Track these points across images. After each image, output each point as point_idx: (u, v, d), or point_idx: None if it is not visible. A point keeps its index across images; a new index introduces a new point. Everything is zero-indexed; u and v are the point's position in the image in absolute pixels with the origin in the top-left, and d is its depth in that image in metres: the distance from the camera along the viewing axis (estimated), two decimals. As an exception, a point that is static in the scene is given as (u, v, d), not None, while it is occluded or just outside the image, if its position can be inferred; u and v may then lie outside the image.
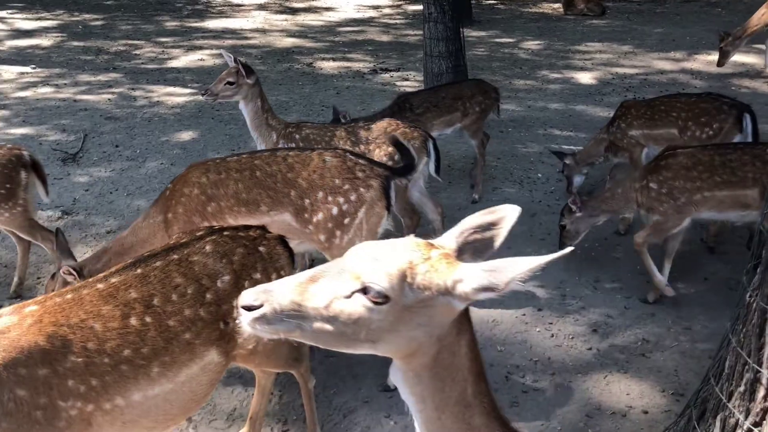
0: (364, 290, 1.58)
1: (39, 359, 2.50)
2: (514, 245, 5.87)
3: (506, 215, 1.76)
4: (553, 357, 4.61)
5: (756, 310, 2.77)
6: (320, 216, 4.24)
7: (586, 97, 9.79)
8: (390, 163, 5.26)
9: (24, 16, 15.73)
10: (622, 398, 4.24)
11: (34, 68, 11.32)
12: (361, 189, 4.26)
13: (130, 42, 13.33)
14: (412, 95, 7.05)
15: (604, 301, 5.17)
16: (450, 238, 1.73)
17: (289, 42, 13.52)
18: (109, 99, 9.81)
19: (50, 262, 5.59)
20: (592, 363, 4.55)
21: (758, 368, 2.73)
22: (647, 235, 5.08)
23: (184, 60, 12.08)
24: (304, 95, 10.02)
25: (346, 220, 4.23)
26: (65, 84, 10.50)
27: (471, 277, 1.56)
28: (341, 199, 4.23)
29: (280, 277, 3.11)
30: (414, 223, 5.34)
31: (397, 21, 15.87)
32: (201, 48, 12.86)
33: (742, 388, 2.80)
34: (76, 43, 13.19)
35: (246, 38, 13.85)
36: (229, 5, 17.61)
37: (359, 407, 4.16)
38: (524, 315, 5.03)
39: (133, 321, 2.71)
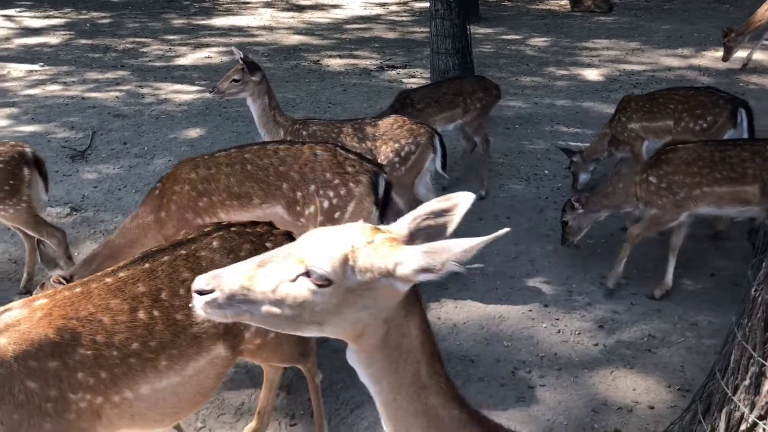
0: (308, 274, 1.63)
1: (49, 352, 2.53)
2: (522, 242, 5.91)
3: (460, 202, 1.77)
4: (560, 353, 4.62)
5: (761, 304, 2.77)
6: (312, 209, 4.28)
7: (592, 94, 9.78)
8: (396, 159, 5.29)
9: (32, 14, 15.81)
10: (629, 394, 4.24)
11: (42, 66, 11.38)
12: (351, 184, 4.31)
13: (137, 40, 13.38)
14: (413, 91, 7.07)
15: (610, 297, 5.17)
16: (403, 224, 1.76)
17: (296, 39, 13.54)
18: (117, 96, 9.85)
19: (59, 259, 5.62)
20: (598, 359, 4.56)
21: (763, 362, 2.74)
22: (643, 229, 5.12)
23: (191, 57, 12.12)
24: (311, 92, 10.04)
25: (336, 214, 4.28)
26: (73, 82, 10.55)
27: (410, 258, 1.59)
28: (331, 193, 4.29)
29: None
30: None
31: (404, 18, 15.88)
32: (208, 45, 12.90)
33: (747, 382, 2.80)
34: (84, 41, 13.25)
35: (253, 35, 13.88)
36: (236, 3, 17.65)
37: (366, 402, 4.17)
38: (531, 311, 5.04)
39: (141, 314, 2.73)
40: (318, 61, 11.87)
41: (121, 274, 2.84)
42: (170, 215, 4.28)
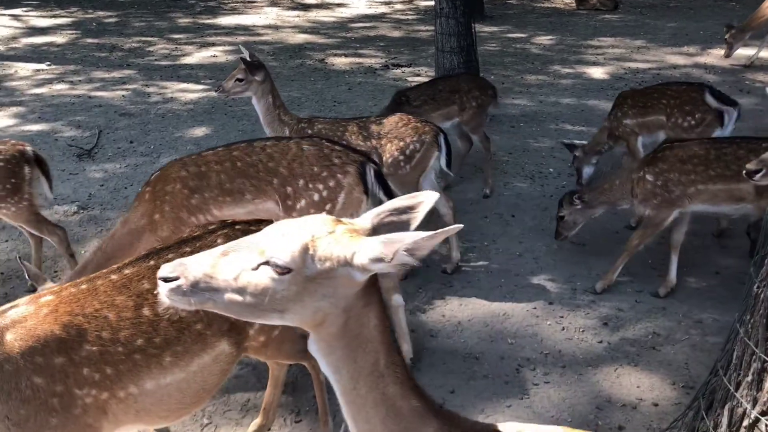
0: (268, 262, 1.68)
1: (55, 348, 2.55)
2: (526, 239, 5.93)
3: (424, 201, 1.82)
4: (564, 350, 4.63)
5: (763, 301, 2.78)
6: (303, 203, 4.31)
7: (598, 92, 9.77)
8: (401, 157, 5.30)
9: (39, 13, 15.87)
10: (633, 391, 4.25)
11: (49, 65, 11.42)
12: (339, 175, 4.34)
13: (143, 39, 13.42)
14: (409, 90, 7.09)
15: (614, 295, 5.18)
16: (367, 218, 1.81)
17: (301, 38, 13.56)
18: (123, 95, 9.89)
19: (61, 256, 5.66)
20: (602, 356, 4.57)
21: (765, 358, 2.74)
22: (641, 237, 5.13)
23: (197, 56, 12.15)
24: (316, 91, 10.05)
25: (328, 206, 4.30)
26: (80, 81, 10.60)
27: (366, 248, 1.64)
28: (321, 186, 4.32)
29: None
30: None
31: (409, 17, 15.88)
32: (214, 44, 12.93)
33: (749, 378, 2.81)
34: (90, 40, 13.29)
35: (258, 34, 13.90)
36: (241, 2, 17.68)
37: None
38: (535, 308, 5.05)
39: (146, 311, 2.76)
40: (323, 59, 11.88)
41: (127, 271, 2.86)
42: (165, 216, 4.28)
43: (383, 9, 16.76)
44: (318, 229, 1.72)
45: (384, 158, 5.32)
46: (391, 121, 5.49)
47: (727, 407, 2.93)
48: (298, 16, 15.77)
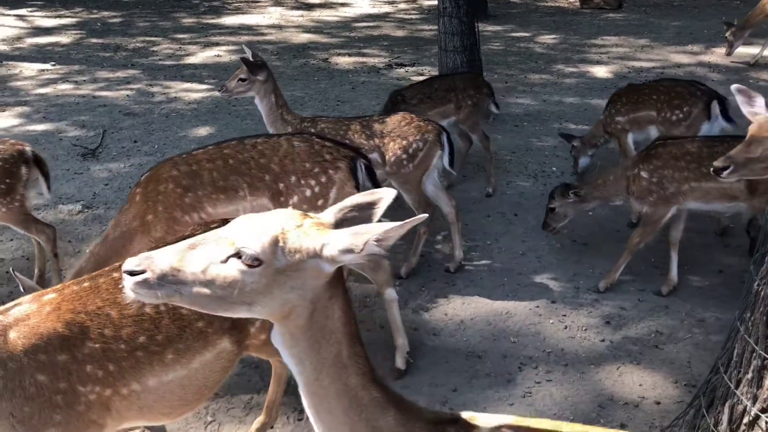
0: (238, 254, 1.70)
1: (58, 345, 2.57)
2: (529, 238, 5.94)
3: (383, 197, 1.87)
4: (567, 348, 4.64)
5: (763, 299, 2.78)
6: (295, 199, 4.33)
7: (601, 91, 9.75)
8: (404, 156, 5.31)
9: (44, 13, 15.92)
10: (635, 389, 4.26)
11: (53, 65, 11.46)
12: (330, 171, 4.37)
13: (147, 39, 13.46)
14: (405, 89, 7.11)
15: (617, 294, 5.18)
16: (329, 214, 1.85)
17: (304, 38, 13.58)
18: (127, 95, 9.92)
19: (71, 255, 5.69)
20: (605, 354, 4.58)
21: (765, 355, 2.75)
22: (641, 235, 5.14)
23: (200, 56, 12.18)
24: (319, 90, 10.07)
25: (320, 202, 4.32)
26: (84, 80, 10.63)
27: (336, 239, 1.69)
28: (313, 182, 4.34)
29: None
30: (428, 216, 5.37)
31: (413, 16, 15.89)
32: (217, 44, 12.95)
33: (749, 376, 2.82)
34: (94, 40, 13.33)
35: (262, 34, 13.93)
36: (245, 1, 17.71)
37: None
38: (538, 307, 5.06)
39: (148, 309, 2.77)
40: (327, 59, 11.90)
41: (129, 269, 2.88)
42: (158, 216, 4.27)
43: (387, 8, 16.78)
44: (287, 222, 1.75)
45: (387, 157, 5.34)
46: (394, 119, 5.50)
47: (727, 405, 2.94)
48: (302, 16, 15.80)
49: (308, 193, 4.33)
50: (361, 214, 1.86)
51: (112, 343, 2.66)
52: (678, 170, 4.99)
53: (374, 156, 5.40)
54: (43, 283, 5.27)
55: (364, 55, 12.16)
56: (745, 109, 3.74)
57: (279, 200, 4.33)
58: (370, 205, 1.88)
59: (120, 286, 2.76)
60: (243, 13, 16.15)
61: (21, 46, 12.97)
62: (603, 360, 4.53)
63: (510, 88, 10.05)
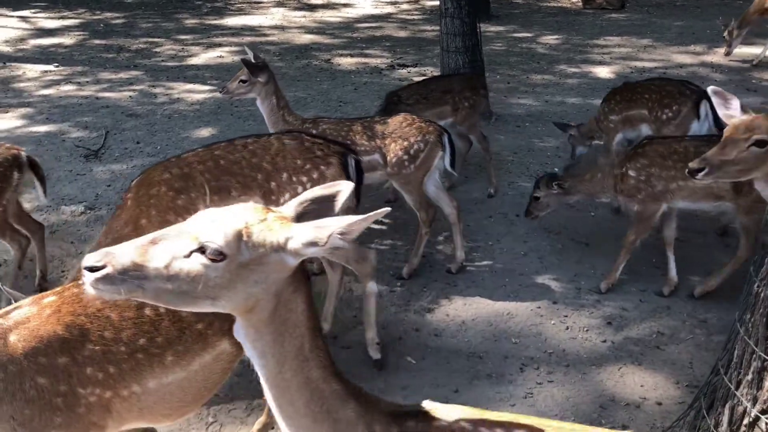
0: (202, 249, 1.70)
1: (58, 348, 2.58)
2: (530, 239, 5.94)
3: (342, 190, 1.91)
4: (568, 349, 4.64)
5: (763, 300, 2.79)
6: (287, 196, 4.33)
7: (604, 92, 9.58)
8: (405, 157, 5.31)
9: (47, 15, 15.95)
10: (636, 390, 4.26)
11: (57, 66, 11.48)
12: (322, 167, 4.40)
13: (150, 40, 13.47)
14: (401, 89, 7.11)
15: (619, 294, 5.18)
16: (290, 207, 1.87)
17: (307, 38, 13.59)
18: (130, 96, 9.94)
19: (73, 256, 5.70)
20: (606, 355, 4.58)
21: (765, 357, 2.75)
22: (636, 233, 5.15)
23: (203, 57, 12.19)
24: (322, 91, 10.08)
25: None
26: (87, 82, 10.65)
27: (300, 233, 1.70)
28: (304, 178, 4.37)
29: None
30: (430, 217, 5.39)
31: (415, 17, 15.89)
32: (220, 45, 12.97)
33: (749, 377, 2.82)
34: (97, 42, 13.36)
35: (265, 35, 13.94)
36: (247, 2, 17.73)
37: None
38: (539, 308, 5.06)
39: (148, 311, 2.78)
40: (329, 60, 11.91)
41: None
42: (151, 220, 4.21)
43: (389, 9, 16.78)
44: (250, 216, 1.76)
45: (388, 158, 5.34)
46: (396, 121, 5.50)
47: (727, 406, 2.94)
48: (304, 17, 15.81)
49: (300, 189, 4.34)
50: (320, 207, 1.89)
51: (112, 345, 2.66)
52: (665, 169, 5.02)
53: (376, 157, 5.41)
54: (45, 285, 5.28)
55: (366, 55, 12.16)
56: (721, 112, 3.77)
57: (270, 198, 4.33)
58: (330, 198, 1.90)
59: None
60: (245, 14, 16.17)
61: (24, 47, 13.00)
62: (604, 361, 4.52)
63: (512, 88, 10.05)
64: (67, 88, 10.33)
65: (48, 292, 2.82)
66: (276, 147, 4.42)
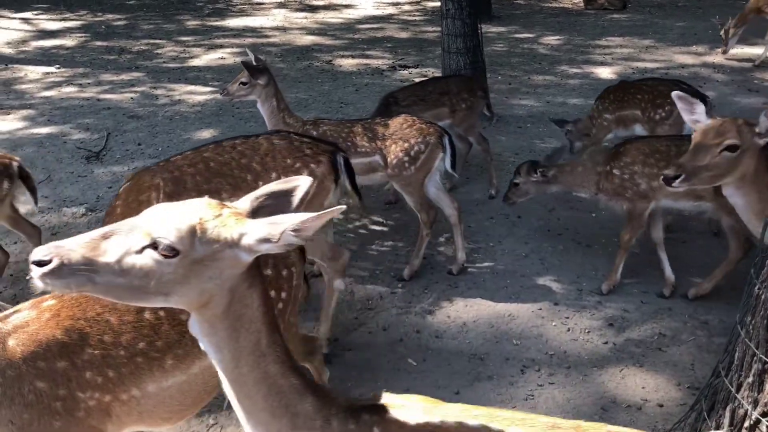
0: (155, 245, 1.70)
1: (57, 352, 2.57)
2: (532, 240, 5.93)
3: (300, 185, 1.92)
4: (569, 351, 4.63)
5: (764, 302, 2.78)
6: None
7: (605, 92, 9.74)
8: (406, 158, 5.31)
9: (48, 16, 15.97)
10: (638, 392, 4.25)
11: (58, 68, 11.49)
12: (312, 165, 4.41)
13: (152, 41, 13.48)
14: (397, 91, 7.09)
15: (620, 296, 5.17)
16: (245, 202, 1.89)
17: (308, 40, 13.59)
18: (131, 98, 9.94)
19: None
20: (607, 357, 4.57)
21: (766, 359, 2.74)
22: (630, 231, 5.16)
23: (205, 59, 12.20)
24: (323, 92, 10.08)
25: None
26: (89, 83, 10.66)
27: (254, 229, 1.71)
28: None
29: (290, 273, 3.19)
30: (431, 218, 5.39)
31: (416, 18, 15.89)
32: (222, 47, 12.97)
33: (750, 380, 2.81)
34: (99, 43, 13.37)
35: (266, 36, 13.94)
36: (249, 4, 17.74)
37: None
38: (540, 309, 5.05)
39: (147, 315, 2.77)
40: (330, 61, 11.91)
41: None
42: None
43: (390, 10, 16.78)
44: (204, 211, 1.76)
45: (389, 159, 5.34)
46: (396, 122, 5.50)
47: (728, 408, 2.94)
48: (306, 18, 15.81)
49: None
50: (277, 202, 1.90)
51: (111, 349, 2.66)
52: (648, 166, 5.03)
53: (376, 158, 5.41)
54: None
55: (367, 57, 12.16)
56: (686, 117, 3.79)
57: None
58: (288, 193, 1.91)
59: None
60: (247, 16, 16.17)
61: (26, 49, 13.01)
62: (606, 362, 4.52)
63: (513, 89, 10.04)
64: (69, 90, 10.34)
65: (47, 295, 2.81)
66: (265, 147, 4.43)
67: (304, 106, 9.26)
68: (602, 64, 11.27)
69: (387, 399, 2.01)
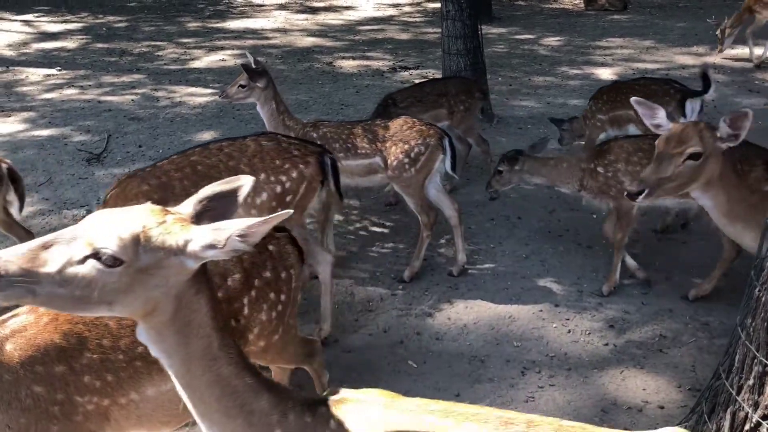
0: (97, 255, 1.66)
1: (55, 357, 2.56)
2: (532, 242, 5.92)
3: (242, 185, 1.89)
4: (570, 352, 4.62)
5: (764, 305, 2.77)
6: (264, 196, 4.36)
7: (606, 93, 9.74)
8: (406, 160, 5.31)
9: (49, 19, 15.99)
10: (639, 393, 4.23)
11: (59, 70, 11.51)
12: (301, 165, 4.44)
13: (153, 43, 13.50)
14: (396, 93, 7.11)
15: (621, 298, 5.16)
16: (188, 206, 1.85)
17: (309, 41, 13.60)
18: (132, 100, 9.95)
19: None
20: (608, 358, 4.56)
21: (766, 362, 2.74)
22: (621, 230, 5.17)
23: (205, 60, 12.21)
24: (323, 94, 10.08)
25: (289, 197, 4.38)
26: (90, 85, 10.67)
27: (199, 236, 1.68)
28: (284, 178, 4.39)
29: (289, 276, 3.19)
30: (431, 219, 5.38)
31: (417, 19, 15.90)
32: (222, 48, 12.98)
33: (750, 382, 2.80)
34: (100, 45, 13.38)
35: (267, 38, 13.95)
36: (250, 5, 17.76)
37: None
38: (541, 311, 5.04)
39: None
40: (331, 62, 11.91)
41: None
42: None
43: (391, 11, 16.78)
44: (147, 219, 1.73)
45: (389, 161, 5.34)
46: (397, 123, 5.50)
47: (729, 411, 2.93)
48: (306, 20, 15.82)
49: (278, 189, 4.39)
50: (221, 204, 1.87)
51: (110, 353, 2.65)
52: (631, 165, 5.05)
53: (376, 160, 5.41)
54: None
55: (368, 58, 12.17)
56: (648, 122, 3.73)
57: (247, 201, 4.32)
58: (231, 194, 1.88)
59: None
60: (248, 17, 16.19)
61: (27, 51, 13.03)
62: (606, 364, 4.50)
63: (514, 90, 10.04)
64: (70, 92, 10.35)
65: None
66: (253, 149, 4.44)
67: (305, 107, 9.26)
68: (603, 65, 11.27)
69: (345, 393, 2.01)
